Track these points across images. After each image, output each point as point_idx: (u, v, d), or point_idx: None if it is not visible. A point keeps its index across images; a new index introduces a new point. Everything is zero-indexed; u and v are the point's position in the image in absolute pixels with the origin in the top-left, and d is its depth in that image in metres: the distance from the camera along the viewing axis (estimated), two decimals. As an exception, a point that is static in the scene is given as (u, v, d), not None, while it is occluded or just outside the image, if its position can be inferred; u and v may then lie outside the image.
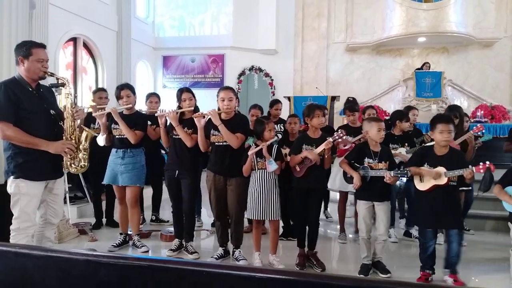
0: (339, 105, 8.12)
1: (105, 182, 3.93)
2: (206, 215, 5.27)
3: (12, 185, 2.70)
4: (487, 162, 2.93)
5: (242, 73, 10.85)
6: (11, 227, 2.74)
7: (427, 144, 3.76)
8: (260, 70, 10.95)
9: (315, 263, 3.52)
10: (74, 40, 8.01)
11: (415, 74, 9.19)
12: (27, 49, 2.71)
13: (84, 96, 8.26)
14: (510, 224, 3.15)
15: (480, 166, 2.93)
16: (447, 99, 9.09)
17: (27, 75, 2.73)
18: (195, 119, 3.47)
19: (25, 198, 2.71)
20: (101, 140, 3.87)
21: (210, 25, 10.87)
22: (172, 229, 4.39)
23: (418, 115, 5.02)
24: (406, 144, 4.16)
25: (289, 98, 7.46)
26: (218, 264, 1.17)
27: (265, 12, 10.68)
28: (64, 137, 2.86)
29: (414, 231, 4.33)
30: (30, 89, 2.76)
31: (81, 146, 2.95)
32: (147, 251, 3.87)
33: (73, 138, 2.89)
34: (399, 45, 10.59)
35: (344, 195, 4.43)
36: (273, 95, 10.77)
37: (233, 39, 10.60)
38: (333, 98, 7.16)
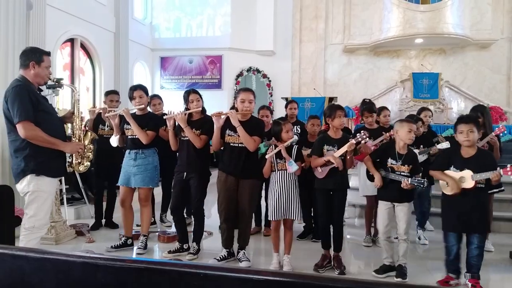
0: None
1: (119, 184, 3.92)
2: (206, 216, 5.26)
3: (32, 183, 2.78)
4: None
5: (240, 74, 10.86)
6: (25, 226, 2.79)
7: (442, 147, 3.76)
8: (258, 71, 10.96)
9: (335, 265, 3.46)
10: (71, 41, 7.99)
11: (412, 76, 9.23)
12: (40, 55, 2.88)
13: (81, 97, 8.23)
14: None
15: (508, 169, 2.87)
16: (444, 100, 9.13)
17: (35, 79, 2.88)
18: (213, 118, 3.46)
19: (44, 195, 2.82)
20: (114, 141, 3.88)
21: (207, 26, 10.87)
22: (169, 230, 4.40)
23: (432, 116, 4.92)
24: (422, 146, 4.12)
25: (286, 99, 7.46)
26: (215, 266, 1.18)
27: (263, 14, 10.69)
28: (74, 139, 3.14)
29: (421, 233, 4.36)
30: (38, 92, 2.94)
31: (87, 147, 3.26)
32: (141, 254, 3.85)
33: (81, 140, 3.17)
34: (397, 47, 10.63)
35: (372, 199, 4.21)
36: (271, 96, 10.80)
37: (231, 40, 10.61)
38: (331, 99, 7.17)
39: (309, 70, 11.15)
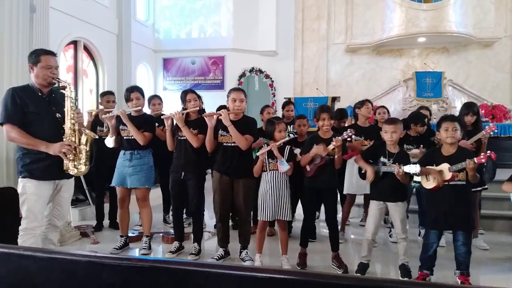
0: (339, 106, 8.11)
1: (113, 184, 3.94)
2: (208, 217, 5.27)
3: (20, 185, 2.81)
4: (488, 151, 2.95)
5: (243, 75, 10.85)
6: (20, 227, 2.81)
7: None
8: (261, 71, 10.95)
9: (337, 264, 3.48)
10: (74, 43, 8.03)
11: (415, 75, 9.18)
12: (36, 56, 2.83)
13: (85, 99, 8.27)
14: None
15: (481, 156, 2.91)
16: (447, 99, 9.08)
17: (37, 81, 2.84)
18: (206, 119, 3.48)
19: (31, 197, 2.79)
20: (110, 142, 3.89)
21: (210, 27, 10.88)
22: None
23: (431, 115, 4.96)
24: (422, 145, 4.13)
25: (289, 99, 7.46)
26: (220, 264, 1.18)
27: (265, 14, 10.68)
28: (64, 139, 2.83)
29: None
30: (40, 94, 2.86)
31: (81, 148, 2.86)
32: (146, 254, 3.86)
33: (73, 140, 2.84)
34: (399, 46, 10.58)
35: (352, 197, 4.43)
36: (274, 96, 10.79)
37: (233, 41, 10.61)
38: (334, 99, 7.17)
39: (312, 70, 11.13)
